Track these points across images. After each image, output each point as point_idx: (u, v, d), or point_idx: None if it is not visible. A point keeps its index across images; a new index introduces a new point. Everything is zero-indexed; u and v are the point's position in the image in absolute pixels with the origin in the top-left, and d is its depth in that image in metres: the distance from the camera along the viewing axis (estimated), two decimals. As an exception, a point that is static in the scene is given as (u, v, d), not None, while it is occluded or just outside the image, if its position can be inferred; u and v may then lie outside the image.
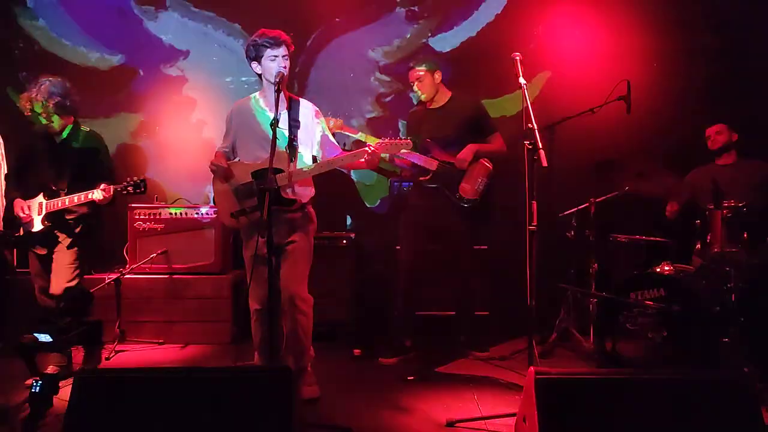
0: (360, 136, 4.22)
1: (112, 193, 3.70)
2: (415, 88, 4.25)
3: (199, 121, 5.29)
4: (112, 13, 5.24)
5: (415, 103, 4.46)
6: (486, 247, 4.75)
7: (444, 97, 4.30)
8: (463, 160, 4.14)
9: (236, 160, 3.51)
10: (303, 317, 3.41)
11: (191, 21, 5.23)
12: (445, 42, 5.21)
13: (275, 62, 3.32)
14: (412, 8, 5.20)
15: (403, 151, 3.38)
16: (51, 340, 2.30)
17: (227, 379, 2.20)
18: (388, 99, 5.16)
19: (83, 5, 5.24)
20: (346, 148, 4.52)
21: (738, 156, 4.45)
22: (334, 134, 3.72)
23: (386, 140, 3.31)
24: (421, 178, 4.24)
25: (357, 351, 4.43)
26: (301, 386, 3.48)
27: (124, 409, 2.20)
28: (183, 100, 5.27)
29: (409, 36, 5.20)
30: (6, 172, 4.04)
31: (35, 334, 2.34)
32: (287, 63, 3.35)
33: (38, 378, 2.14)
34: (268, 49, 3.32)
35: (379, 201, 5.28)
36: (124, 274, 4.62)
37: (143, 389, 2.21)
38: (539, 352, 4.17)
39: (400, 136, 5.03)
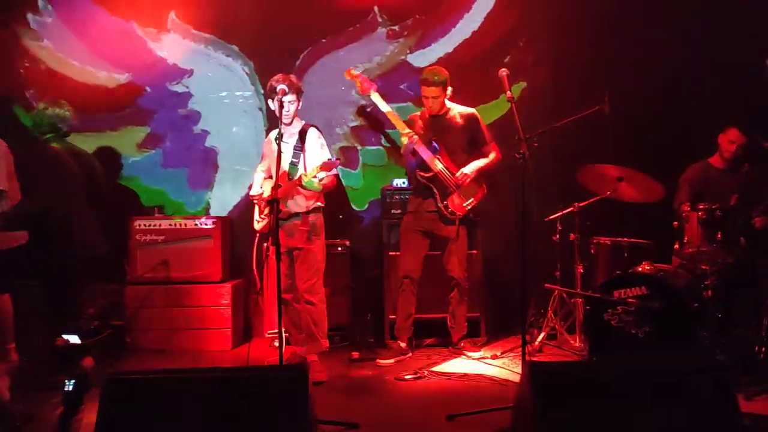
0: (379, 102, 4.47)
1: None
2: (428, 104, 4.42)
3: (203, 131, 5.50)
4: (116, 34, 5.40)
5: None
6: (476, 251, 4.96)
7: (444, 106, 4.50)
8: (465, 176, 4.34)
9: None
10: (310, 307, 4.15)
11: (192, 42, 5.45)
12: (423, 58, 5.44)
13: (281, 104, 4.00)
14: (393, 27, 5.46)
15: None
16: (79, 341, 2.43)
17: (247, 378, 2.36)
18: (368, 110, 5.44)
19: (87, 27, 5.39)
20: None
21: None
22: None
23: (324, 161, 3.92)
24: (420, 172, 4.43)
25: (355, 354, 4.59)
26: (311, 371, 3.79)
27: (152, 409, 2.35)
28: (188, 113, 5.49)
29: (388, 53, 5.47)
30: None
31: (64, 336, 2.47)
32: (292, 104, 4.07)
33: (72, 377, 2.29)
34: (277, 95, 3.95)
35: (367, 205, 5.48)
36: (125, 285, 4.75)
37: (168, 389, 2.37)
38: (528, 351, 4.37)
39: (383, 143, 5.41)
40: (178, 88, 5.46)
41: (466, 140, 4.47)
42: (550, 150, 5.10)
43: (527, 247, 3.43)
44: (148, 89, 5.44)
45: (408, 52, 5.46)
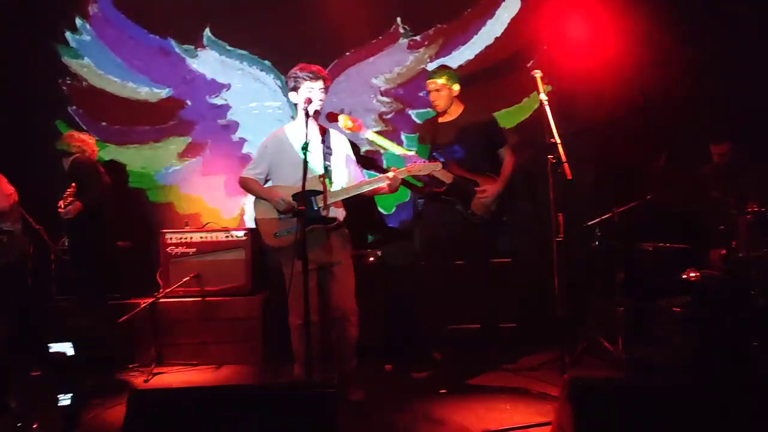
0: (374, 137, 4.33)
1: None
2: (432, 98, 4.36)
3: (241, 139, 5.60)
4: (155, 52, 5.53)
5: (419, 121, 4.63)
6: (510, 259, 4.82)
7: (457, 110, 4.40)
8: (488, 211, 4.24)
9: (270, 184, 3.77)
10: (353, 328, 3.78)
11: (228, 58, 5.57)
12: None
13: (311, 94, 3.61)
14: (415, 38, 5.51)
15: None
16: (73, 353, 2.32)
17: (275, 395, 2.29)
18: (389, 116, 5.52)
19: (126, 45, 5.51)
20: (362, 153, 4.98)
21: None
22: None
23: (417, 163, 3.57)
24: (435, 189, 4.33)
25: (388, 366, 4.50)
26: (348, 390, 3.69)
27: (177, 428, 2.29)
28: (227, 123, 5.60)
29: (408, 63, 5.51)
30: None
31: (55, 346, 2.34)
32: (323, 96, 3.66)
33: (68, 391, 2.23)
34: (307, 82, 3.63)
35: (394, 208, 5.45)
36: (158, 299, 4.75)
37: (195, 408, 2.31)
38: (568, 362, 4.21)
39: (404, 146, 5.25)
40: (217, 101, 5.58)
41: (479, 143, 4.35)
42: (587, 154, 4.97)
43: (564, 255, 3.30)
44: (189, 102, 5.56)
45: (428, 60, 5.48)
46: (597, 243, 4.54)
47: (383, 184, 3.65)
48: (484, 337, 4.53)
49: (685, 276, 3.86)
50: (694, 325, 3.66)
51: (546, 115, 3.34)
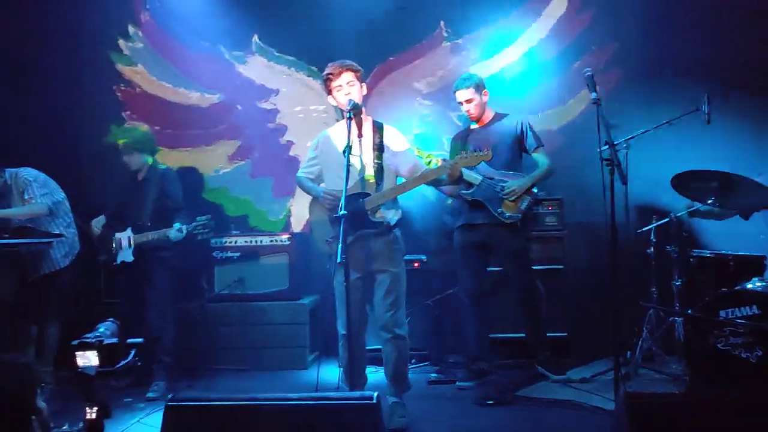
0: (425, 158, 4.19)
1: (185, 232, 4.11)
2: (464, 109, 4.28)
3: (289, 142, 5.66)
4: (205, 58, 5.62)
5: (461, 123, 4.52)
6: (562, 266, 4.66)
7: (488, 115, 4.32)
8: (512, 193, 4.09)
9: (322, 186, 3.62)
10: (402, 343, 3.51)
11: (276, 64, 5.63)
12: (486, 68, 5.33)
13: (341, 92, 3.47)
14: (457, 41, 5.47)
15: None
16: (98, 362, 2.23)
17: (314, 408, 2.22)
18: (430, 119, 5.52)
19: (178, 52, 5.62)
20: None
21: None
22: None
23: (468, 154, 3.37)
24: (462, 192, 4.21)
25: (434, 375, 4.40)
26: (391, 415, 3.47)
27: (214, 437, 2.25)
28: (276, 126, 5.66)
29: (450, 66, 5.47)
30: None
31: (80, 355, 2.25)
32: (355, 89, 3.46)
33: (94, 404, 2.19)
34: (332, 82, 3.49)
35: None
36: (203, 303, 4.77)
37: (232, 417, 2.26)
38: (622, 375, 4.03)
39: (445, 148, 5.16)
40: (267, 106, 5.66)
41: (511, 146, 4.23)
42: (641, 156, 4.77)
43: (618, 262, 3.14)
44: (239, 107, 5.66)
45: (470, 63, 5.40)
46: (652, 249, 4.35)
47: (442, 174, 3.46)
48: (530, 346, 4.37)
49: (750, 285, 3.63)
50: (759, 338, 3.42)
51: (598, 116, 3.19)
